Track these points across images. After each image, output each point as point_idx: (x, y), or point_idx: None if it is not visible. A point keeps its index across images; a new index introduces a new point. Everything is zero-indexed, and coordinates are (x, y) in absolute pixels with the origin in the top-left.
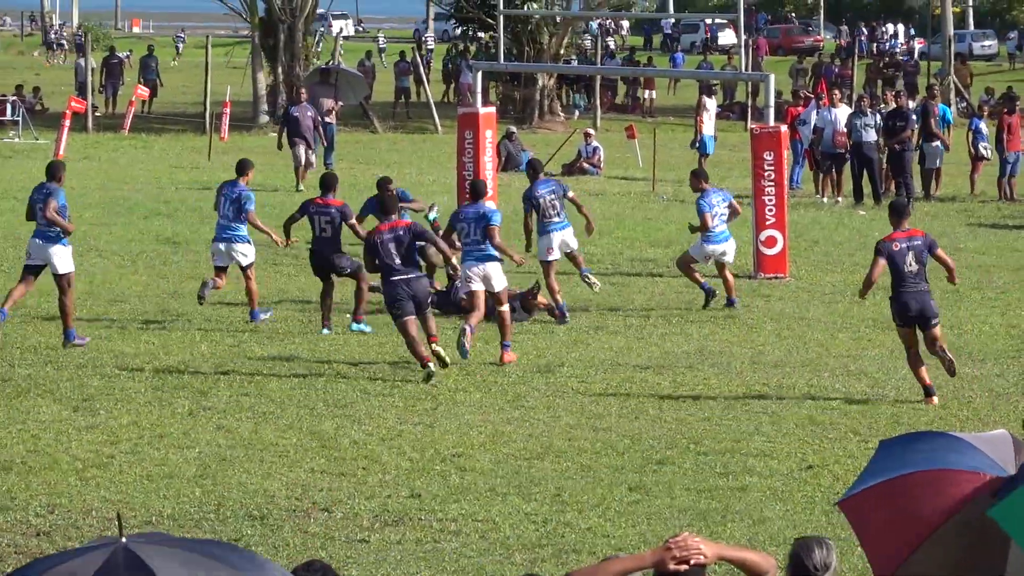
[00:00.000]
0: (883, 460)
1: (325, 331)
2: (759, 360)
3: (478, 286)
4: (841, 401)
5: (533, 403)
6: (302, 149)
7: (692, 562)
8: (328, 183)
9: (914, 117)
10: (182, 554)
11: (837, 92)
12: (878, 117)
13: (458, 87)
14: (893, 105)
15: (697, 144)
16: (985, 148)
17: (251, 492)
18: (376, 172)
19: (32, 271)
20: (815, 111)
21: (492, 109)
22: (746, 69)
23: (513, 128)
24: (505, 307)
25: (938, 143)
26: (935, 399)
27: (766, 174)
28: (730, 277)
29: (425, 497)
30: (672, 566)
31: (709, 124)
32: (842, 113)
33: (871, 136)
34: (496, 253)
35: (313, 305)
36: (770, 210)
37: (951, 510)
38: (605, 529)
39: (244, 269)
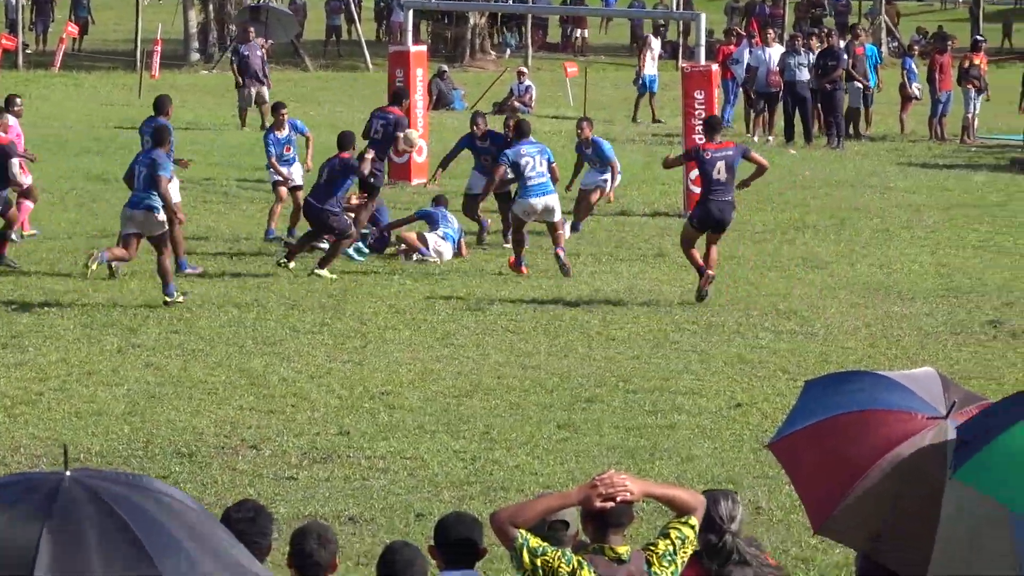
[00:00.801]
0: (811, 401)
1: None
2: (688, 299)
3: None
4: (770, 339)
5: (463, 341)
6: (252, 88)
7: (618, 499)
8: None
9: (845, 57)
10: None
11: (771, 31)
12: (811, 56)
13: (389, 26)
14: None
15: (639, 82)
16: (917, 88)
17: (180, 429)
18: (307, 111)
19: None
20: (748, 50)
21: (423, 48)
22: (678, 8)
23: (444, 67)
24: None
25: (857, 83)
26: (711, 272)
27: (697, 113)
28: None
29: (354, 435)
30: (598, 503)
31: (652, 64)
32: (775, 52)
33: (804, 75)
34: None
35: (243, 243)
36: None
37: (882, 450)
38: (533, 467)
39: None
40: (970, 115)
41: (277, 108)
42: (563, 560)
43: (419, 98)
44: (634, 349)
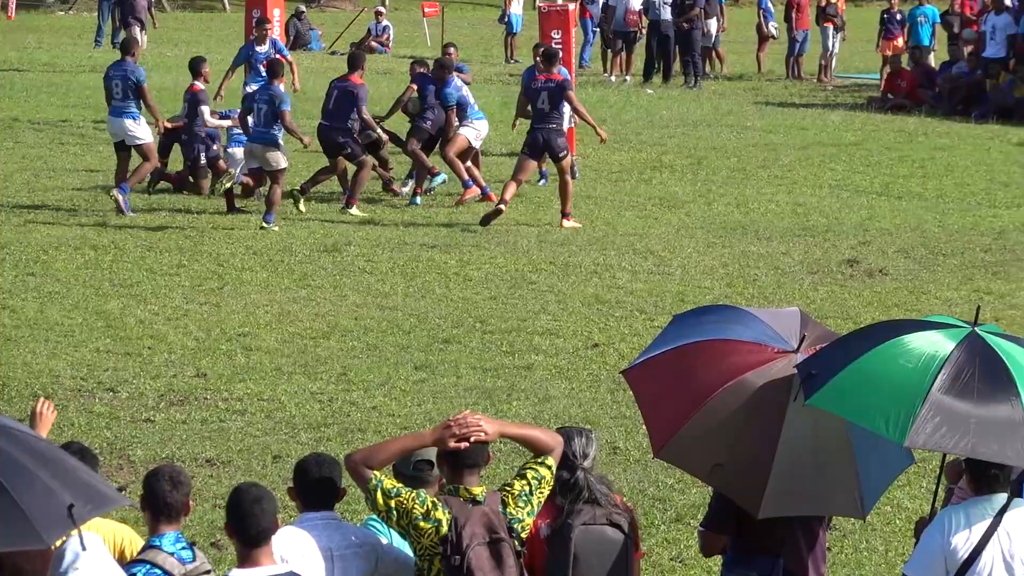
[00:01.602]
0: (672, 331)
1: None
2: (546, 239)
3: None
4: (627, 279)
5: (320, 282)
6: (136, 30)
7: (473, 439)
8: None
9: None
10: None
11: None
12: None
13: None
14: None
15: (505, 20)
16: (773, 27)
17: (36, 372)
18: (165, 52)
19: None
20: None
21: None
22: None
23: (302, 7)
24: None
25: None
26: (494, 197)
27: None
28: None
29: (211, 376)
30: (452, 443)
31: (517, 3)
32: None
33: (667, 14)
34: None
35: (102, 181)
36: None
37: (727, 377)
38: (391, 408)
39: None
40: (828, 54)
41: (262, 23)
42: (417, 501)
43: (276, 38)
44: (491, 290)
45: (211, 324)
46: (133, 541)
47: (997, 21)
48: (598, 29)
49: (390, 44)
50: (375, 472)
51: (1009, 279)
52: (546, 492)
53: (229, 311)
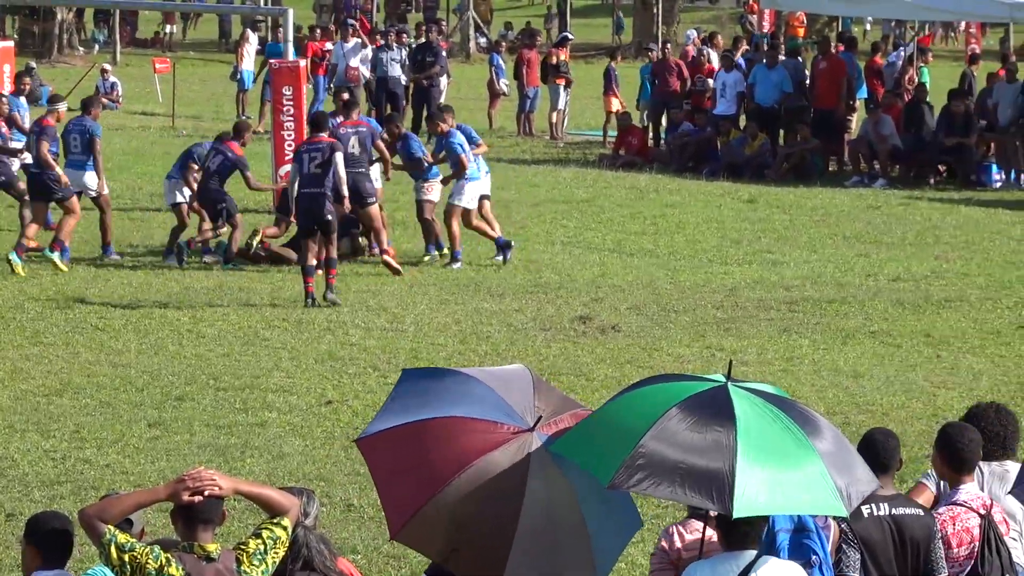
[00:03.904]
0: (403, 396)
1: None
2: (278, 296)
3: None
4: (360, 336)
5: (52, 339)
6: None
7: (206, 493)
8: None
9: (444, 53)
10: None
11: (354, 25)
12: (404, 52)
13: None
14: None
15: (237, 77)
16: (504, 84)
17: None
18: None
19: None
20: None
21: (11, 43)
22: (265, 3)
23: (32, 63)
24: None
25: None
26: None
27: (285, 109)
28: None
29: None
30: (186, 497)
31: (249, 59)
32: (353, 48)
33: (396, 71)
34: None
35: None
36: (289, 145)
37: (464, 461)
38: (124, 465)
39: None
40: (557, 111)
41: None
42: (151, 556)
43: (5, 94)
44: (224, 346)
45: None
46: None
47: (727, 79)
48: (332, 86)
49: (120, 100)
50: (109, 526)
51: (741, 336)
52: (281, 552)
53: None
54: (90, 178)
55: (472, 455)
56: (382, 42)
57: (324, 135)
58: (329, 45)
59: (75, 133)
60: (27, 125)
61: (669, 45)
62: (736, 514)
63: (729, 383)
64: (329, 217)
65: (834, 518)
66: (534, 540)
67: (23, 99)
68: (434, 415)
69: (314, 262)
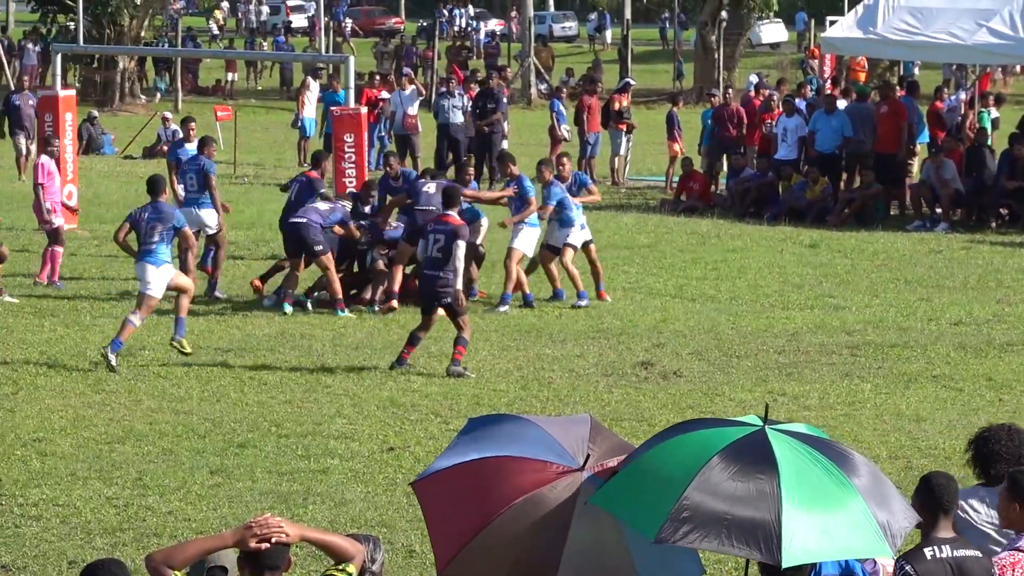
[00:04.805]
0: (464, 442)
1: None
2: (340, 342)
3: None
4: (422, 383)
5: (114, 387)
6: (22, 139)
7: (274, 540)
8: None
9: (504, 100)
10: None
11: (410, 74)
12: (466, 99)
13: (21, 69)
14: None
15: (299, 124)
16: (565, 130)
17: None
18: None
19: None
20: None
21: (72, 92)
22: (327, 51)
23: (94, 111)
24: None
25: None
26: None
27: (346, 156)
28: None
29: (5, 482)
30: (253, 544)
31: (310, 106)
32: (410, 95)
33: (458, 117)
34: None
35: None
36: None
37: (511, 498)
38: (186, 512)
39: None
40: (619, 157)
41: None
42: None
43: (68, 143)
44: (286, 393)
45: (5, 429)
46: None
47: (788, 123)
48: (385, 135)
49: None
50: (175, 572)
51: (803, 380)
52: None
53: (24, 416)
54: (208, 215)
55: (519, 492)
56: (443, 89)
57: (453, 213)
58: (385, 94)
59: (191, 172)
60: None
61: (731, 90)
62: (785, 563)
63: (767, 427)
64: (450, 300)
65: (896, 560)
66: (580, 556)
67: (189, 146)
68: (485, 455)
69: (423, 335)
